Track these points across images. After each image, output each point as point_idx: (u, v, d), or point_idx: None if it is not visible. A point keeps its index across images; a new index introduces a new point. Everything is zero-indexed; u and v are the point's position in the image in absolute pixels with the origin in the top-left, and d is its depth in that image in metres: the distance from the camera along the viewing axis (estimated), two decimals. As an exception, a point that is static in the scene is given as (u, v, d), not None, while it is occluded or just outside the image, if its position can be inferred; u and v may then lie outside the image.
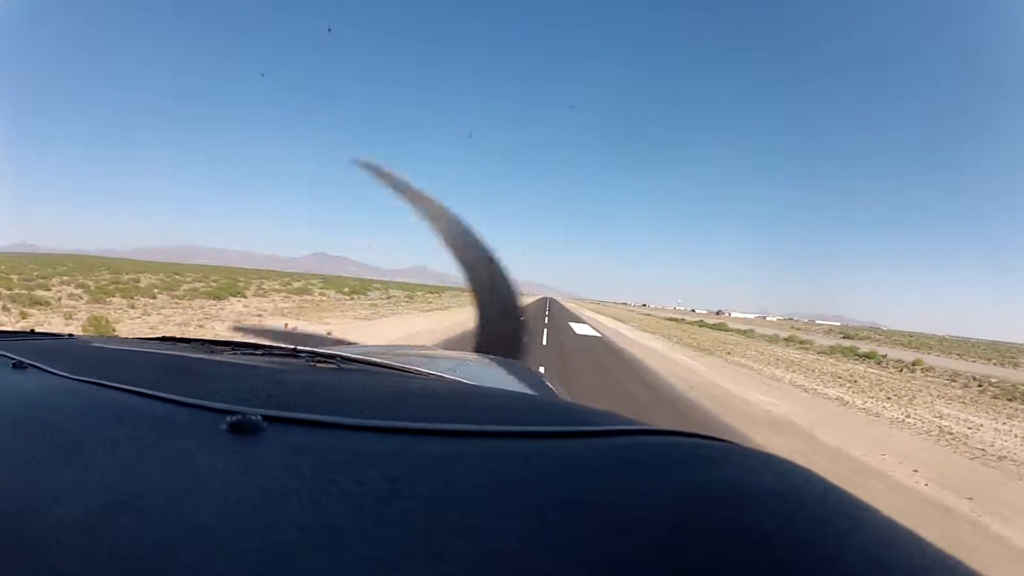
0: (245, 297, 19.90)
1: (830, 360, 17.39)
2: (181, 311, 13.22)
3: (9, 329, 1.27)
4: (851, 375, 12.28)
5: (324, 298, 25.32)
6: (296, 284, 31.98)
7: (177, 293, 17.91)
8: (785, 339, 28.13)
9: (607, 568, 0.22)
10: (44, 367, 0.65)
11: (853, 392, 9.12)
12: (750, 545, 0.24)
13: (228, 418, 0.40)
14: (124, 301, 14.02)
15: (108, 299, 14.06)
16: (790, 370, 12.48)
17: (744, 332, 32.43)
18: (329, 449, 0.36)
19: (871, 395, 8.94)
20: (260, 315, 14.05)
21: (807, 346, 23.18)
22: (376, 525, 0.26)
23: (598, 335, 18.08)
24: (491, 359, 1.70)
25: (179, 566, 0.23)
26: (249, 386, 0.61)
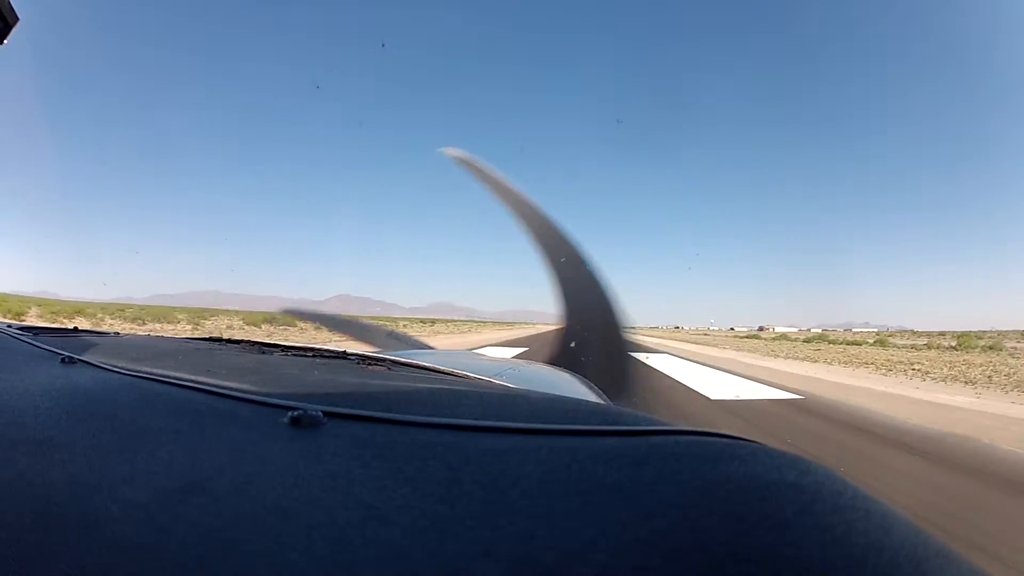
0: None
1: None
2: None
3: (54, 326, 1.23)
4: None
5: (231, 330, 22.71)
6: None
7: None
8: (953, 347, 20.57)
9: (641, 543, 0.25)
10: (93, 362, 0.66)
11: None
12: (769, 526, 0.26)
13: (289, 413, 0.41)
14: None
15: None
16: None
17: (878, 345, 24.84)
18: (390, 442, 0.38)
19: None
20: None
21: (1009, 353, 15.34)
22: (440, 504, 0.29)
23: (788, 395, 7.17)
24: (536, 364, 1.77)
25: (255, 539, 0.25)
26: (304, 384, 0.62)
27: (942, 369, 11.61)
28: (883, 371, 11.61)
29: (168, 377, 0.56)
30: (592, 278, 2.14)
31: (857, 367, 12.70)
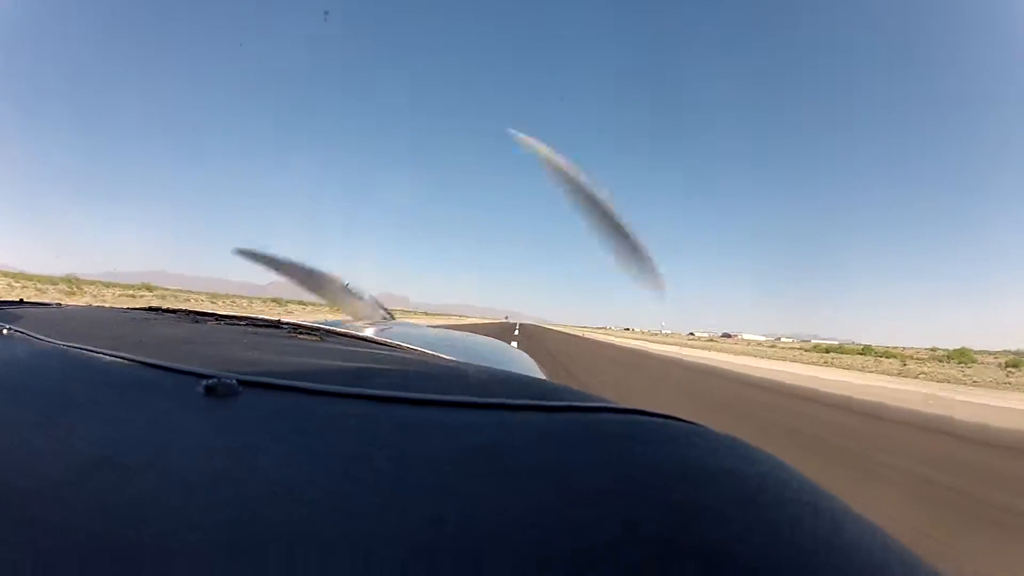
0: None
1: None
2: None
3: None
4: None
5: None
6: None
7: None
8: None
9: (565, 534, 0.23)
10: (30, 333, 0.68)
11: None
12: (706, 520, 0.24)
13: (204, 381, 0.41)
14: None
15: None
16: None
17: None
18: (302, 413, 0.38)
19: None
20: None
21: None
22: (346, 482, 0.28)
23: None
24: (478, 337, 1.79)
25: (160, 516, 0.25)
26: (229, 353, 0.63)
27: None
28: None
29: (98, 348, 0.56)
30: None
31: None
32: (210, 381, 0.41)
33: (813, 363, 25.13)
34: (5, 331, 0.69)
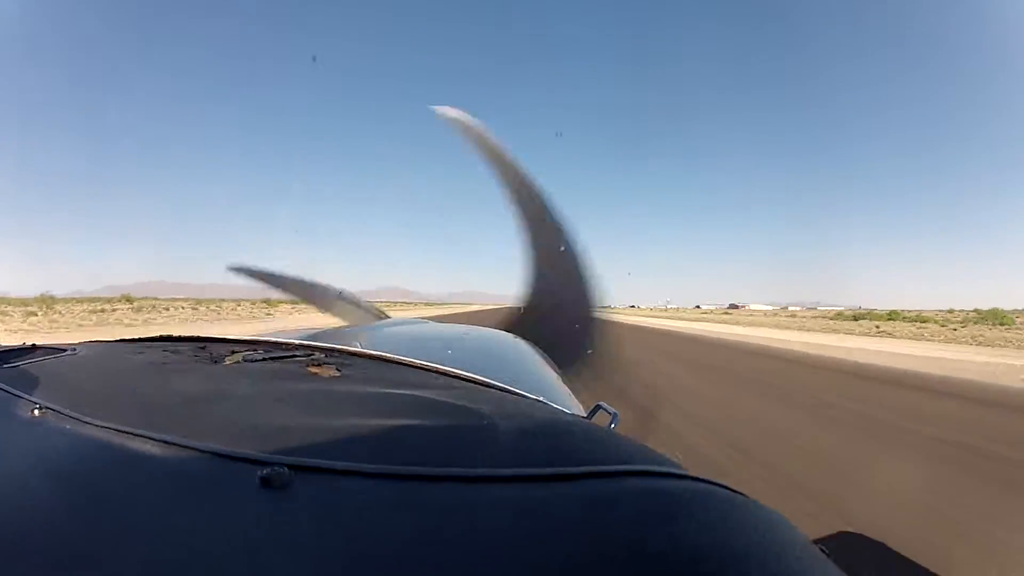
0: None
1: None
2: None
3: (11, 345, 1.07)
4: None
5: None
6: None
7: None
8: None
9: None
10: (63, 411, 0.62)
11: None
12: None
13: (259, 472, 0.40)
14: None
15: None
16: None
17: None
18: (349, 503, 0.38)
19: None
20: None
21: None
22: None
23: None
24: (490, 333, 1.75)
25: None
26: (263, 417, 0.60)
27: None
28: None
29: (140, 431, 0.52)
30: (574, 258, 2.08)
31: None
32: (264, 472, 0.39)
33: (865, 334, 22.76)
34: (37, 411, 0.61)
